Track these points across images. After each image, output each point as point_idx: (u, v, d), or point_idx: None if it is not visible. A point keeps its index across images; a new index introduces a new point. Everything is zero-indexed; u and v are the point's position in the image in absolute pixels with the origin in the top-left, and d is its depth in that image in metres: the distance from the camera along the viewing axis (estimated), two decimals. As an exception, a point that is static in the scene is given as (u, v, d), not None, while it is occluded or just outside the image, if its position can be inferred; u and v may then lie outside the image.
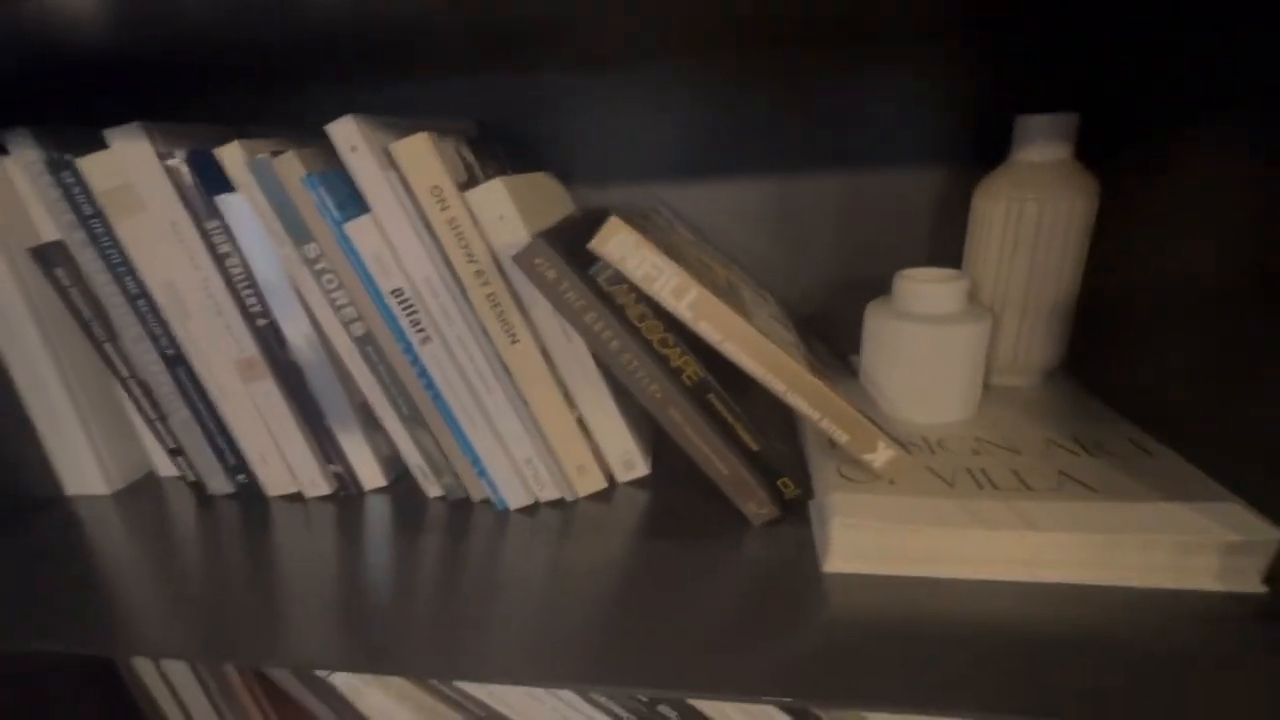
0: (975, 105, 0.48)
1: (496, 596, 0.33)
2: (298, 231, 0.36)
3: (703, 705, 0.46)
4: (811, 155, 0.52)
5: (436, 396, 0.38)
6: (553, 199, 0.47)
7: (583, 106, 0.52)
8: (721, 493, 0.39)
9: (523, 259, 0.33)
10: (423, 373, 0.38)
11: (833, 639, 0.29)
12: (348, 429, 0.43)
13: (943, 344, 0.40)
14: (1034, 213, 0.41)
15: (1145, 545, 0.30)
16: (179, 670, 0.50)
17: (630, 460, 0.42)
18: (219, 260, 0.38)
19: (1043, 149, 0.41)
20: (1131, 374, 0.43)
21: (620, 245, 0.32)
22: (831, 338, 0.56)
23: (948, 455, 0.38)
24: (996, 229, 0.43)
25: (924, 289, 0.41)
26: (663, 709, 0.46)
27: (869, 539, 0.32)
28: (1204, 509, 0.31)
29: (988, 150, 0.49)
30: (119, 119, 0.38)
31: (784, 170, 0.52)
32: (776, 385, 0.33)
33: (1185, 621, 0.29)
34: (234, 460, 0.44)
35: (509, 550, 0.37)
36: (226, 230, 0.38)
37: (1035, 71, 0.47)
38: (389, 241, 0.35)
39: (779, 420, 0.48)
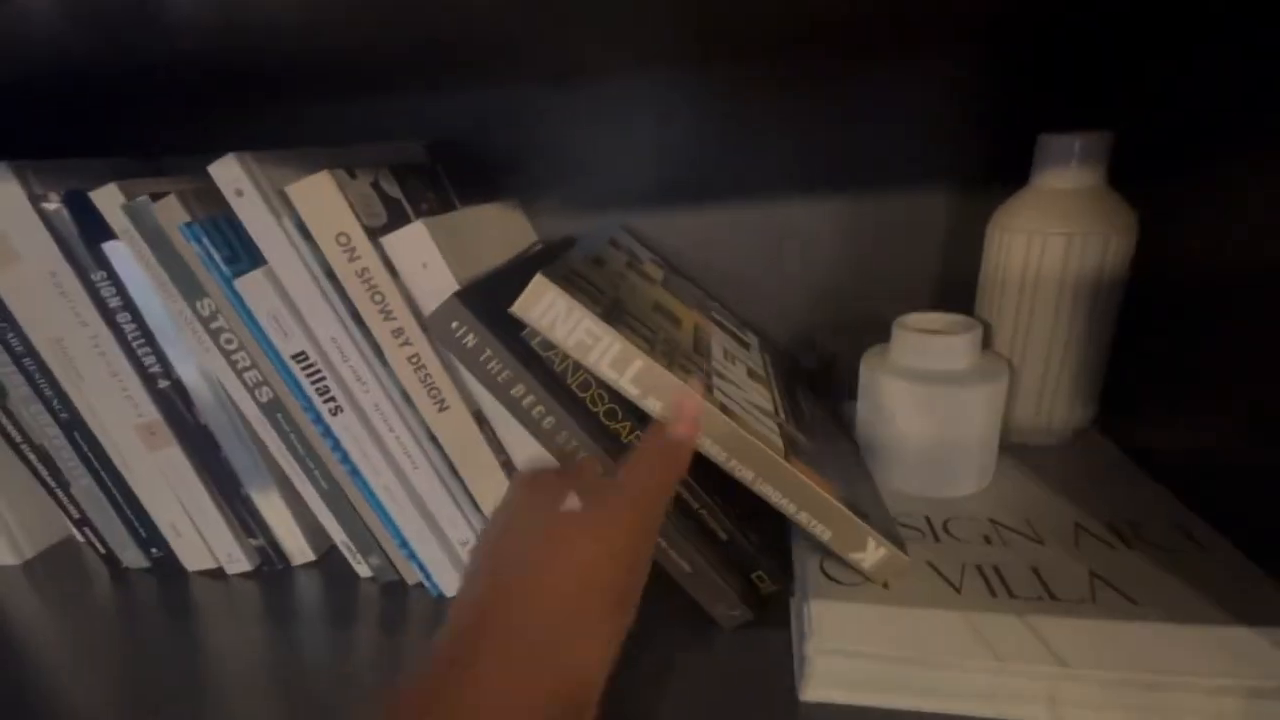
0: (991, 121, 0.42)
1: None
2: (187, 286, 0.31)
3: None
4: (807, 176, 0.45)
5: (354, 472, 0.33)
6: (505, 235, 0.42)
7: (554, 122, 0.46)
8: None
9: (436, 323, 0.28)
10: (336, 446, 0.33)
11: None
12: (268, 498, 0.38)
13: (950, 408, 0.34)
14: (1060, 248, 0.35)
15: (1209, 690, 0.24)
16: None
17: (586, 537, 0.37)
18: (109, 315, 0.34)
19: (1070, 173, 0.35)
20: (1173, 436, 0.36)
21: (548, 310, 0.26)
22: (829, 382, 0.50)
23: (955, 545, 0.32)
24: (1016, 266, 0.37)
25: (927, 342, 0.34)
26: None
27: (854, 666, 0.26)
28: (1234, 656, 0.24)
29: (1007, 172, 0.42)
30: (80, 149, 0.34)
31: (777, 193, 0.46)
32: (742, 473, 0.28)
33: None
34: (145, 533, 0.39)
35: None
36: (115, 281, 0.33)
37: (1060, 82, 0.40)
38: (287, 298, 0.30)
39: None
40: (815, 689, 0.27)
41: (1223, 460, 0.33)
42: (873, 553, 0.28)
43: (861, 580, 0.29)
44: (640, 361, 0.26)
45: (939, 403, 0.34)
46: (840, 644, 0.26)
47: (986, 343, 0.38)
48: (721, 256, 0.48)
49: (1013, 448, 0.39)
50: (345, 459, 0.33)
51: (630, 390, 0.27)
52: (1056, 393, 0.38)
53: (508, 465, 0.34)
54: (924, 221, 0.45)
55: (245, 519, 0.38)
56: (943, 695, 0.26)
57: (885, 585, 0.29)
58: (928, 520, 0.34)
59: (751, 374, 0.36)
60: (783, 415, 0.33)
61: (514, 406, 0.29)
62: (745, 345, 0.41)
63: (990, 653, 0.25)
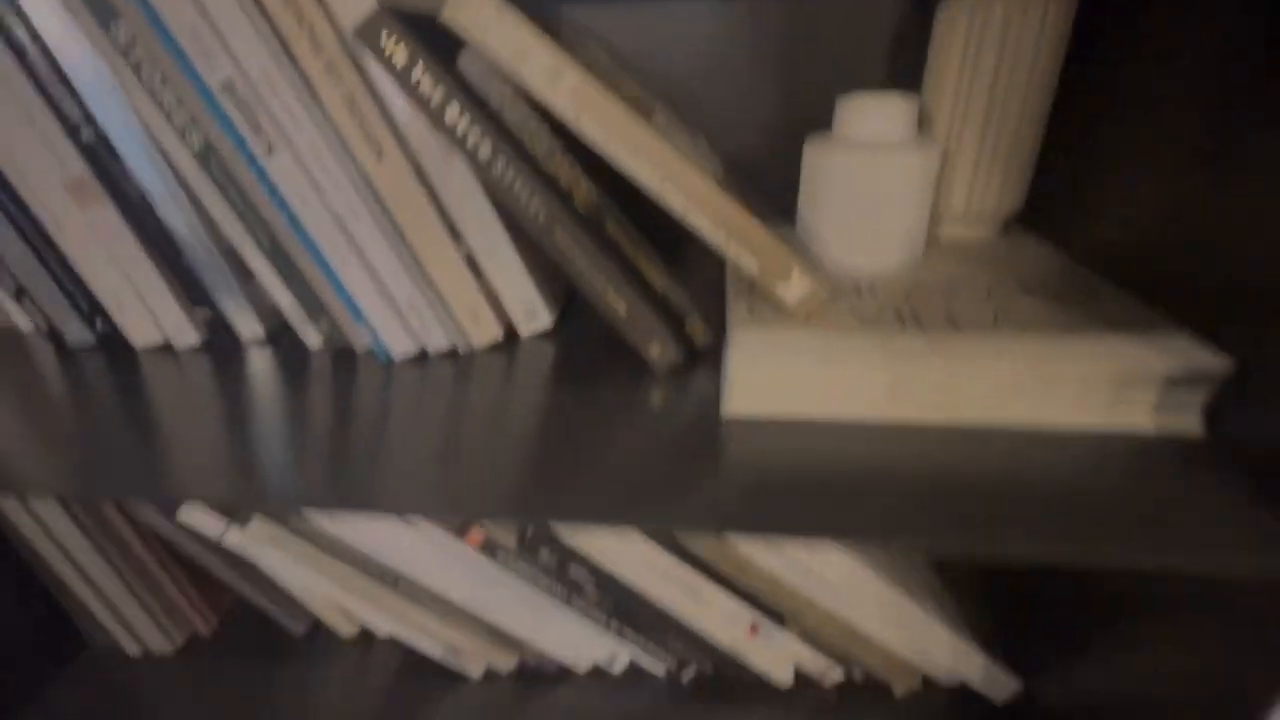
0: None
1: (382, 438, 0.30)
2: (98, 7, 0.29)
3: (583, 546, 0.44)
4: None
5: (294, 222, 0.33)
6: None
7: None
8: (628, 345, 0.35)
9: (366, 33, 0.27)
10: (273, 191, 0.32)
11: (729, 479, 0.26)
12: (213, 267, 0.38)
13: (884, 173, 0.35)
14: (999, 21, 0.35)
15: (1080, 379, 0.27)
16: (59, 521, 0.48)
17: (532, 309, 0.38)
18: (17, 53, 0.32)
19: (1019, -60, 0.35)
20: (1093, 227, 0.38)
21: (478, 16, 0.26)
22: (774, 195, 0.51)
23: (877, 298, 0.34)
24: (957, 46, 0.37)
25: (865, 112, 0.35)
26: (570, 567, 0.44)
27: (772, 377, 0.29)
28: (1148, 340, 0.27)
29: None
30: None
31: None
32: (674, 199, 0.28)
33: (1117, 462, 0.26)
34: (87, 304, 0.39)
35: (395, 396, 0.33)
36: (18, 10, 0.31)
37: None
38: (207, 15, 0.29)
39: (707, 273, 0.44)
40: (737, 403, 0.30)
41: (1133, 250, 0.35)
42: (797, 283, 0.30)
43: (786, 317, 0.31)
44: (573, 75, 0.26)
45: (873, 168, 0.35)
46: (758, 355, 0.28)
47: (923, 124, 0.39)
48: (658, 59, 0.47)
49: (942, 241, 0.41)
50: (283, 207, 0.33)
51: (565, 107, 0.27)
52: (989, 178, 0.39)
53: (453, 230, 0.34)
54: (875, 16, 0.45)
55: (190, 288, 0.38)
56: (853, 402, 0.29)
57: (807, 318, 0.31)
58: (855, 285, 0.36)
59: (699, 155, 0.36)
60: (733, 189, 0.34)
61: (449, 133, 0.28)
62: (694, 139, 0.42)
63: (897, 359, 0.28)
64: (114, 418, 0.33)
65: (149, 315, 0.39)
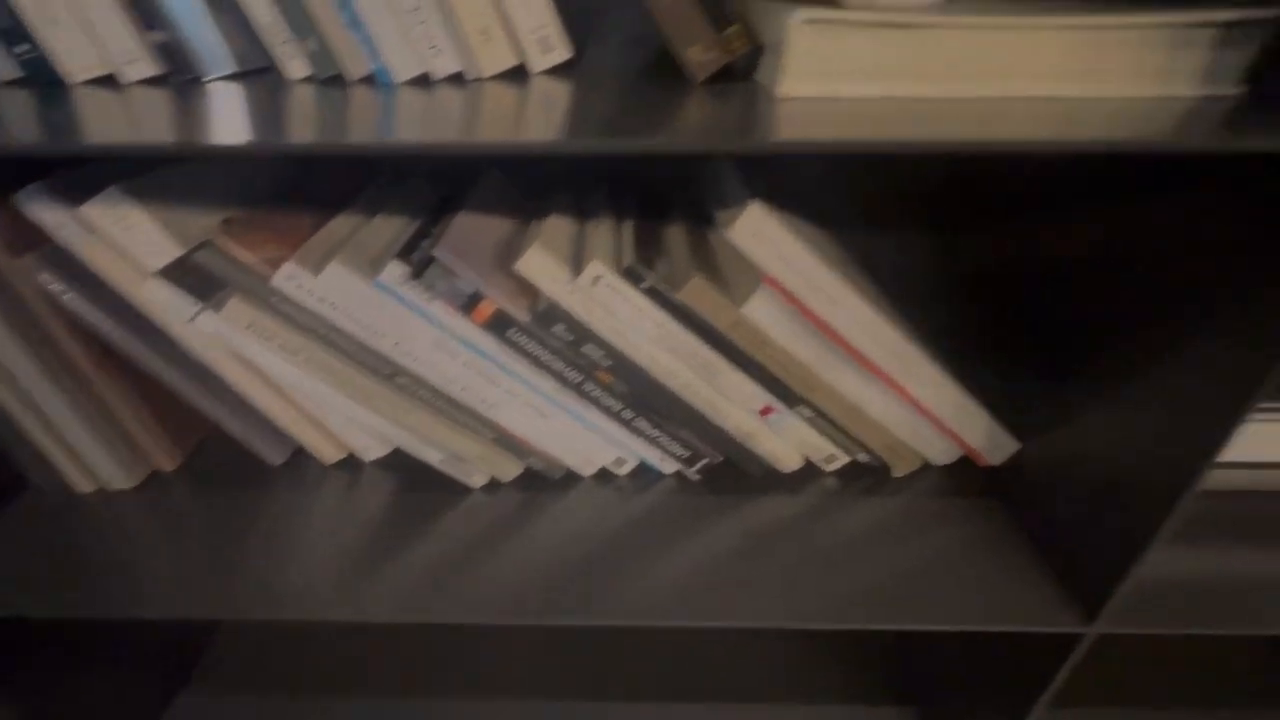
0: None
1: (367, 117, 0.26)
2: None
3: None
4: None
5: (278, -118, 0.28)
6: None
7: None
8: (661, 62, 0.33)
9: None
10: None
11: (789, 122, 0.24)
12: (165, -23, 0.32)
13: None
14: None
15: (1138, 40, 0.27)
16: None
17: (546, 38, 0.34)
18: None
19: None
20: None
21: None
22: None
23: None
24: None
25: None
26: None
27: (832, 44, 0.27)
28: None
29: None
30: None
31: None
32: None
33: (1168, 116, 0.26)
34: (8, 20, 0.32)
35: (400, 119, 0.29)
36: None
37: None
38: None
39: None
40: (792, 81, 0.28)
41: None
42: (853, -41, 0.29)
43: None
44: None
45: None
46: (823, 13, 0.27)
47: None
48: None
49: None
50: None
51: None
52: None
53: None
54: None
55: (140, 3, 0.32)
56: (911, 78, 0.28)
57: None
58: None
59: None
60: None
61: None
62: None
63: (958, 24, 0.27)
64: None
65: (86, 38, 0.33)
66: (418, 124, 0.27)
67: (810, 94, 0.28)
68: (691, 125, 0.26)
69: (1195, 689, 0.64)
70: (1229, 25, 0.26)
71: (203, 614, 0.41)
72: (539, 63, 0.35)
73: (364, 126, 0.27)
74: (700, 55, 0.31)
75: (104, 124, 0.28)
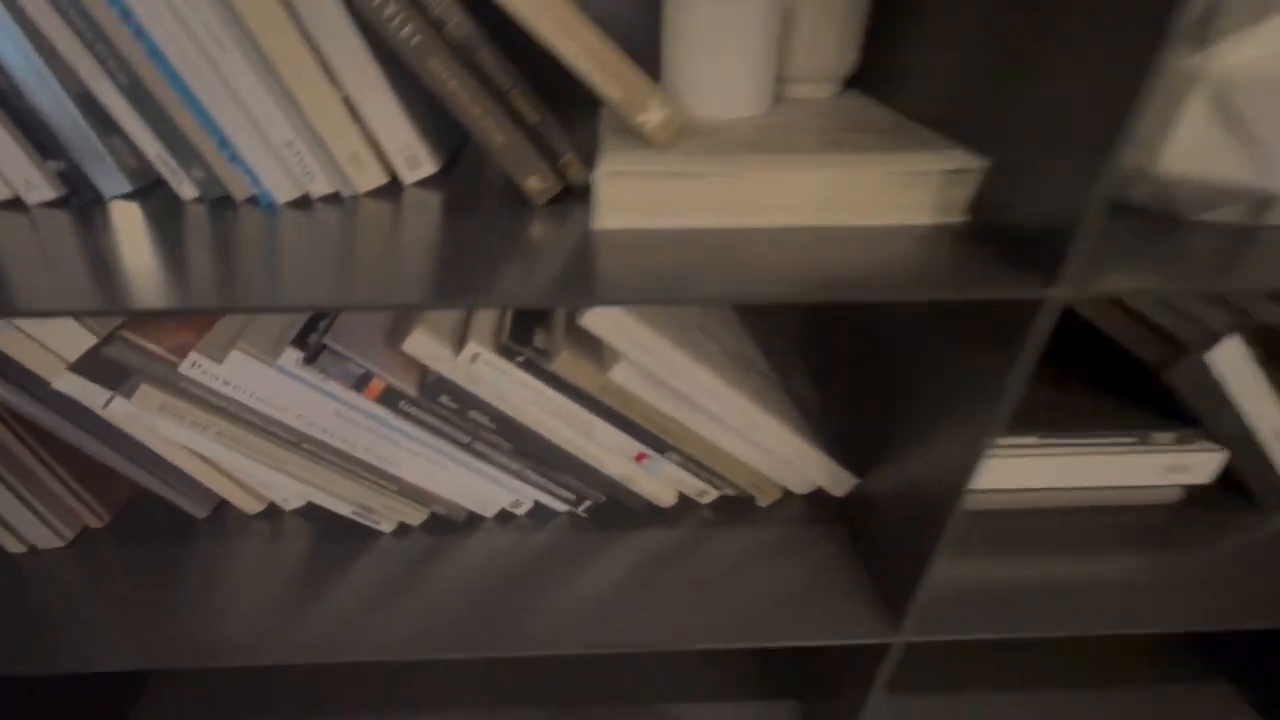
0: None
1: (255, 258, 0.31)
2: None
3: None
4: None
5: (153, 51, 0.32)
6: None
7: None
8: (510, 184, 0.38)
9: None
10: (128, 16, 0.31)
11: (592, 266, 0.30)
12: (62, 111, 0.36)
13: (728, 16, 0.39)
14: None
15: (881, 181, 0.33)
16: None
17: (413, 156, 0.39)
18: None
19: None
20: (916, 85, 0.45)
21: None
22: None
23: (726, 135, 0.38)
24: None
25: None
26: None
27: (633, 189, 0.33)
28: (930, 153, 0.34)
29: None
30: None
31: None
32: (543, 25, 0.31)
33: (904, 244, 0.33)
34: (-87, 155, 0.36)
35: (283, 238, 0.34)
36: None
37: None
38: None
39: (581, 118, 0.47)
40: (605, 217, 0.34)
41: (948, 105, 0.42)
42: (655, 112, 0.34)
43: (648, 144, 0.35)
44: (436, -108, 0.28)
45: (717, 11, 0.39)
46: (624, 165, 0.32)
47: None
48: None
49: (786, 99, 0.47)
50: (140, 32, 0.32)
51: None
52: (827, 35, 0.44)
53: (327, 67, 0.35)
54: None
55: (38, 134, 0.36)
56: (702, 212, 0.34)
57: (666, 147, 0.35)
58: (709, 128, 0.40)
59: None
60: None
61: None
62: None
63: (739, 170, 0.33)
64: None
65: (-9, 166, 0.37)
66: (286, 287, 0.32)
67: (620, 226, 0.34)
68: (515, 270, 0.31)
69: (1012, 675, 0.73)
70: (951, 171, 0.33)
71: (130, 665, 0.45)
72: (409, 176, 0.40)
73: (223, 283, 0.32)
74: (538, 185, 0.36)
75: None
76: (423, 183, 0.41)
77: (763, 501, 0.56)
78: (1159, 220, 0.35)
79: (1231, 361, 0.46)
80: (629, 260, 0.31)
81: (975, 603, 0.46)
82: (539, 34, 0.31)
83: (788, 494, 0.57)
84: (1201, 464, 0.51)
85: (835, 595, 0.48)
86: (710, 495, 0.56)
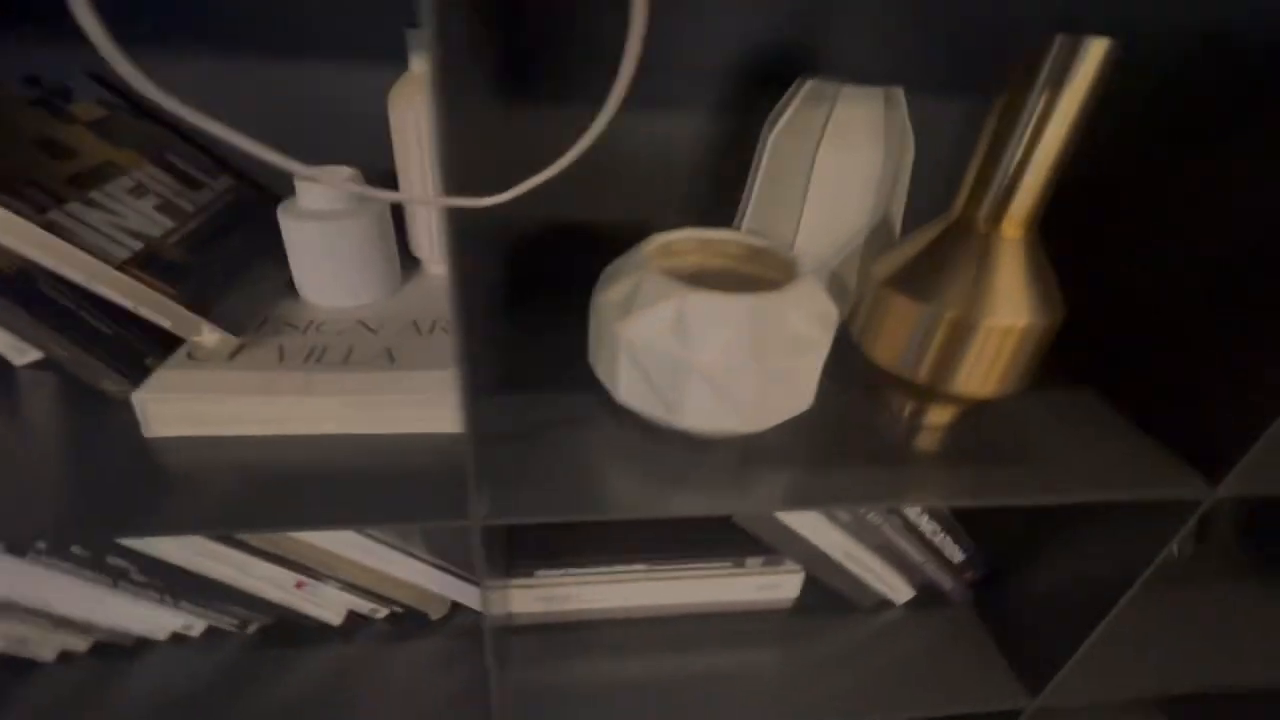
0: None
1: None
2: None
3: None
4: None
5: None
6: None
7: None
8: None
9: None
10: None
11: (141, 480, 0.35)
12: None
13: (326, 236, 0.45)
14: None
15: (385, 401, 0.40)
16: None
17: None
18: None
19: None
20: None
21: None
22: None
23: (316, 336, 0.45)
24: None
25: (309, 187, 0.45)
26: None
27: (178, 408, 0.38)
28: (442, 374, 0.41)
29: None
30: None
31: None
32: (74, 275, 0.36)
33: (420, 449, 0.40)
34: None
35: None
36: None
37: None
38: None
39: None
40: (155, 426, 0.39)
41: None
42: (209, 336, 0.40)
43: (218, 358, 0.41)
44: (-58, 181, 0.33)
45: (314, 234, 0.45)
46: (160, 394, 0.38)
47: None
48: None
49: (431, 275, 0.54)
50: None
51: (-60, 205, 0.33)
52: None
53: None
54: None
55: None
56: (244, 423, 0.39)
57: (231, 358, 0.41)
58: (312, 321, 0.46)
59: (164, 207, 0.44)
60: (175, 239, 0.42)
61: None
62: (198, 186, 0.49)
63: (270, 392, 0.39)
64: None
65: None
66: None
67: (170, 434, 0.39)
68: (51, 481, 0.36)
69: None
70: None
71: None
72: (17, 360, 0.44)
73: None
74: (113, 387, 0.41)
75: None
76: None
77: (435, 614, 0.62)
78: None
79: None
80: (186, 473, 0.36)
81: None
82: (75, 279, 0.36)
83: (456, 605, 0.63)
84: (787, 582, 0.62)
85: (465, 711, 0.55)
86: (382, 611, 0.61)
